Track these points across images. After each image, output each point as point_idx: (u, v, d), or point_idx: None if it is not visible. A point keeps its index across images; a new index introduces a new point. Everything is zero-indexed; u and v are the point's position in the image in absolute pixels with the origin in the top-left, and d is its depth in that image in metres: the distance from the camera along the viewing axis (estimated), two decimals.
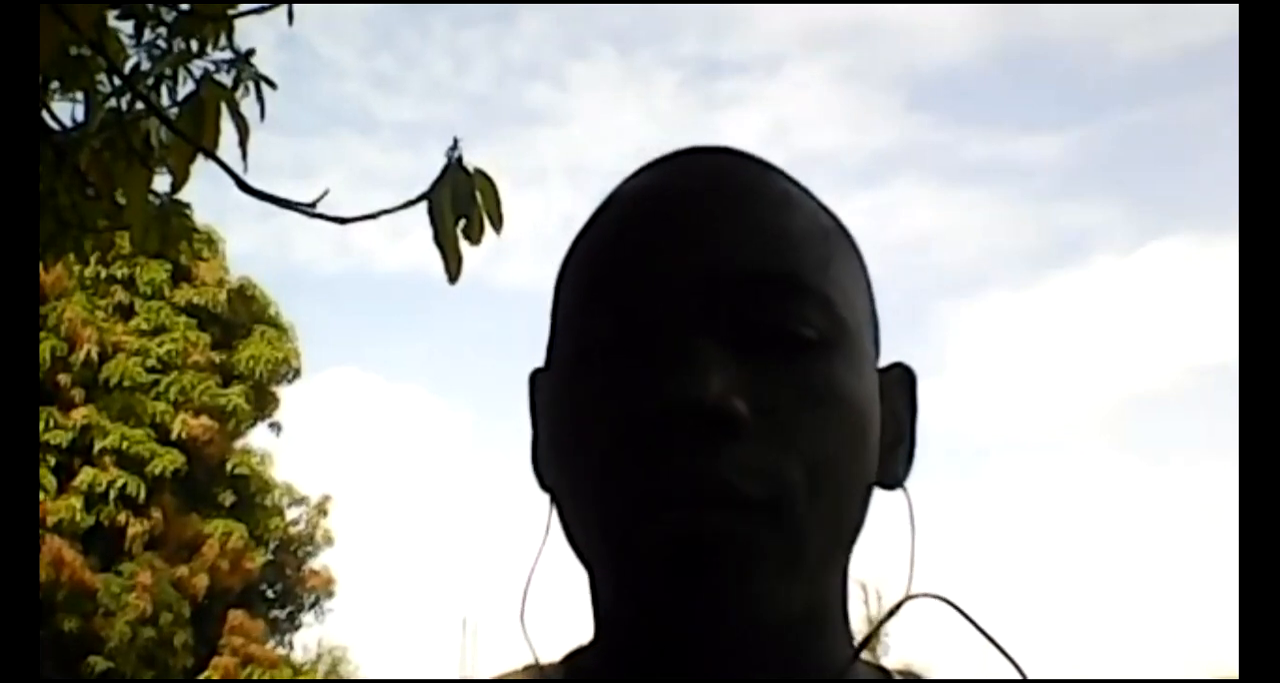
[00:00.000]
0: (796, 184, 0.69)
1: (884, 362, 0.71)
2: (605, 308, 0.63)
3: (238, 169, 2.32)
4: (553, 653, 0.71)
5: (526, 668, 0.71)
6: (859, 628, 0.68)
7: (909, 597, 0.68)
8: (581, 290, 0.66)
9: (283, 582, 18.43)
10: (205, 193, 2.82)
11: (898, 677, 0.70)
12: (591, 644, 0.68)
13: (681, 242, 0.63)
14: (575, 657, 0.70)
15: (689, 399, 0.58)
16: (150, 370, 16.02)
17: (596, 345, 0.63)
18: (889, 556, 0.70)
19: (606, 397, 0.62)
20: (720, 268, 0.62)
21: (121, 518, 15.40)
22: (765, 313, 0.62)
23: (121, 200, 2.67)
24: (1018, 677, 0.67)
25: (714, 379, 0.58)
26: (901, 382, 0.71)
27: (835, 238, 0.67)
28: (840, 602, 0.67)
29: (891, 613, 0.69)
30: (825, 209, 0.70)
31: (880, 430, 0.66)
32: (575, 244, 0.69)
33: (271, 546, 17.90)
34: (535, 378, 0.71)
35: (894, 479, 0.69)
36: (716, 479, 0.58)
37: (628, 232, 0.65)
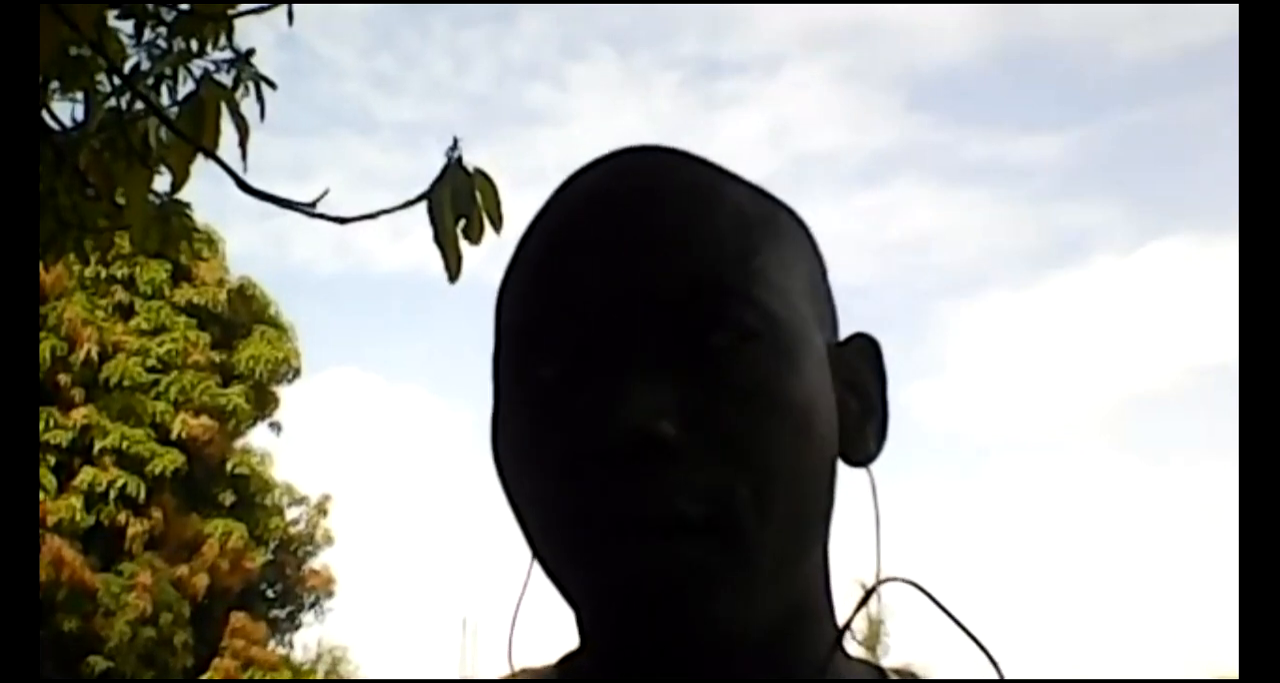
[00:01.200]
0: (725, 174, 0.68)
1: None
2: (532, 334, 0.63)
3: (237, 169, 2.32)
4: (549, 656, 0.71)
5: (523, 671, 0.71)
6: (861, 627, 0.68)
7: (880, 581, 0.68)
8: (511, 318, 0.65)
9: (283, 582, 18.44)
10: (205, 193, 2.83)
11: (894, 676, 0.70)
12: (582, 647, 0.68)
13: (594, 263, 0.61)
14: (569, 659, 0.70)
15: (616, 428, 0.57)
16: (150, 370, 16.02)
17: (527, 379, 0.63)
18: (891, 556, 0.70)
19: (540, 432, 0.61)
20: (634, 283, 0.60)
21: (121, 518, 15.41)
22: (685, 321, 0.60)
23: (121, 200, 2.67)
24: (1017, 677, 0.67)
25: (639, 402, 0.57)
26: (864, 352, 0.69)
27: (759, 228, 0.65)
28: (821, 590, 0.67)
29: (865, 599, 0.68)
30: (760, 194, 0.68)
31: (842, 407, 0.65)
32: (507, 271, 0.68)
33: (271, 546, 17.91)
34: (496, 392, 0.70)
35: (865, 455, 0.68)
36: (657, 507, 0.57)
37: (546, 259, 0.64)
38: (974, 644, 0.66)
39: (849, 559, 0.69)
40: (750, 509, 0.58)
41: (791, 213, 0.69)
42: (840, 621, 0.67)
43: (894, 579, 0.67)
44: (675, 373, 0.59)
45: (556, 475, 0.60)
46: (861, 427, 0.68)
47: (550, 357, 0.62)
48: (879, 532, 0.69)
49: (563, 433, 0.60)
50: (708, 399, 0.59)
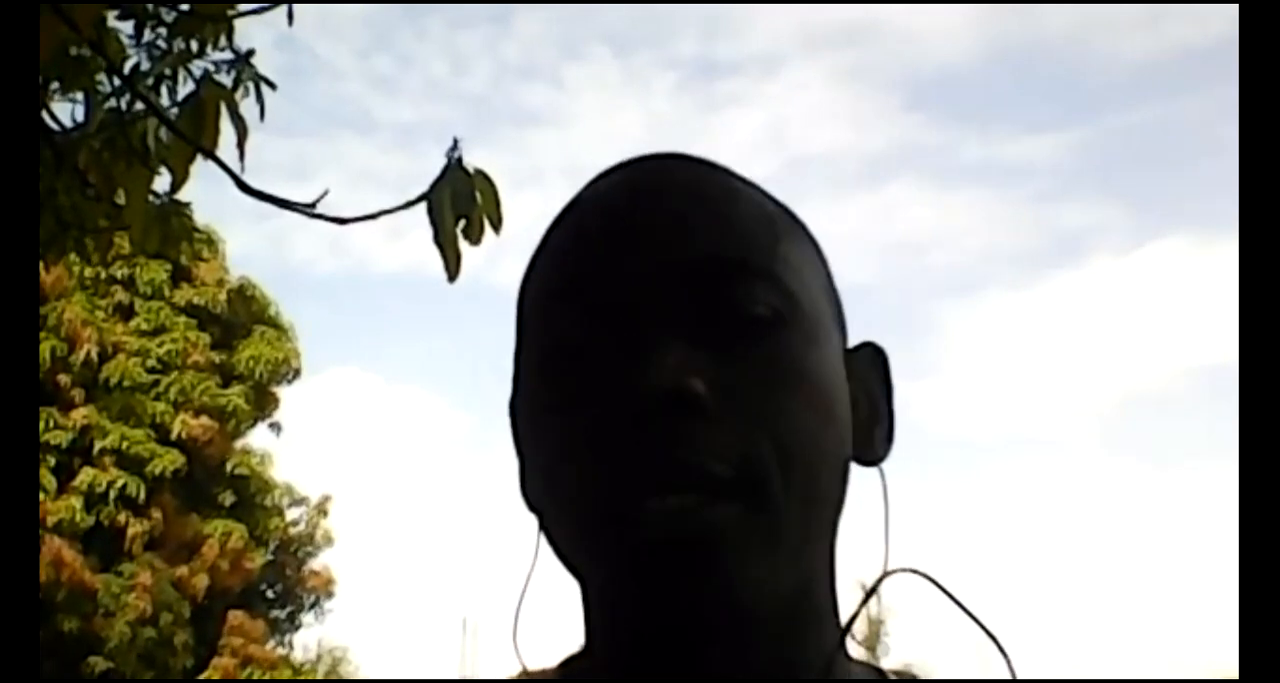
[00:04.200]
0: (743, 180, 0.71)
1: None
2: (566, 307, 0.65)
3: (237, 169, 2.32)
4: (549, 659, 0.71)
5: (525, 673, 0.71)
6: (860, 627, 0.68)
7: (887, 573, 0.69)
8: (543, 296, 0.67)
9: (283, 582, 18.42)
10: (205, 193, 2.83)
11: (893, 677, 0.70)
12: (583, 652, 0.69)
13: (633, 237, 0.65)
14: (572, 662, 0.70)
15: (649, 384, 0.59)
16: (150, 370, 16.01)
17: (560, 345, 0.65)
18: (891, 555, 0.69)
19: (572, 394, 0.63)
20: (672, 257, 0.64)
21: (121, 518, 15.39)
22: (718, 296, 0.63)
23: (121, 200, 2.67)
24: (1015, 676, 0.67)
25: (671, 361, 0.60)
26: (872, 360, 0.72)
27: (782, 222, 0.69)
28: (828, 587, 0.67)
29: (872, 590, 0.69)
30: (772, 199, 0.71)
31: (853, 408, 0.67)
32: (532, 261, 0.70)
33: (271, 546, 17.89)
34: (513, 406, 0.72)
35: (874, 456, 0.70)
36: (686, 463, 0.59)
37: (583, 234, 0.67)
38: (984, 633, 0.67)
39: (851, 562, 0.70)
40: (775, 475, 0.60)
41: (799, 220, 0.72)
42: (845, 619, 0.68)
43: (902, 570, 0.68)
44: (706, 344, 0.62)
45: (584, 431, 0.62)
46: (870, 430, 0.70)
47: (581, 320, 0.64)
48: (888, 527, 0.70)
49: (592, 390, 0.62)
50: (736, 371, 0.61)
